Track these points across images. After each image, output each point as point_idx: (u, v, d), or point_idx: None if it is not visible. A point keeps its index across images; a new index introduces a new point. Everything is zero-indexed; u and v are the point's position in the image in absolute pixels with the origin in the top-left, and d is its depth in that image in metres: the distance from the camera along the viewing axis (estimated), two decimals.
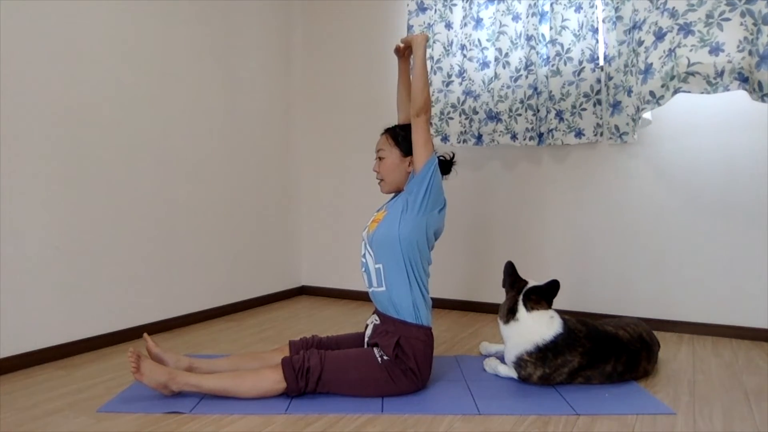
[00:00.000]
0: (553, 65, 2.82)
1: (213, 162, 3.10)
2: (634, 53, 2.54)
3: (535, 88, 2.86)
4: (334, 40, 3.62)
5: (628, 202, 2.83)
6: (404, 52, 2.19)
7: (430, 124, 2.69)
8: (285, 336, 2.70)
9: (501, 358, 2.16)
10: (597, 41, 2.75)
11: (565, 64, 2.80)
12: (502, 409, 1.80)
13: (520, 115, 2.88)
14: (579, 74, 2.78)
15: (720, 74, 2.35)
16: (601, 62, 2.79)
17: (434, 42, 3.09)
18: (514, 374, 2.04)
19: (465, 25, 3.03)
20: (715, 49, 2.34)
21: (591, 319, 2.15)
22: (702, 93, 2.39)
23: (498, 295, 2.31)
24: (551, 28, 2.81)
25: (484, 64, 3.02)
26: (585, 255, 2.93)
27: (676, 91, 2.42)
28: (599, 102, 2.78)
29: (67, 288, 2.38)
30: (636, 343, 2.03)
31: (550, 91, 2.84)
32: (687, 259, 2.70)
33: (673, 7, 2.41)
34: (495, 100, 2.94)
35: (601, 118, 2.79)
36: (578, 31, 2.77)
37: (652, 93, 2.46)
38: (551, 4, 2.80)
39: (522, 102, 2.87)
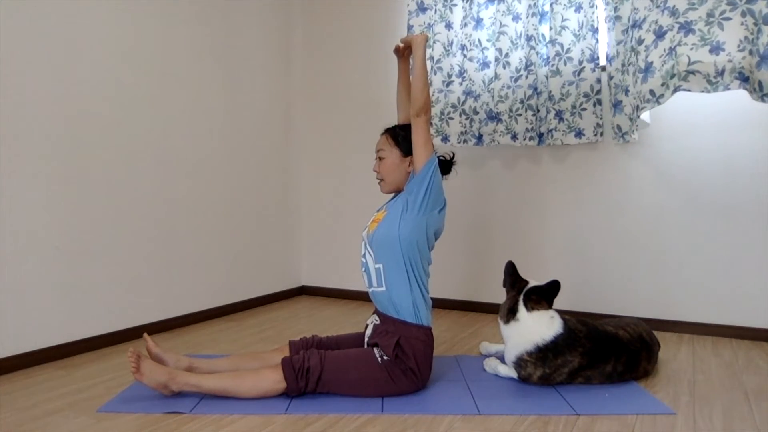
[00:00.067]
0: (553, 65, 2.82)
1: (213, 162, 3.10)
2: (633, 52, 2.54)
3: (535, 88, 2.86)
4: (334, 40, 3.62)
5: (628, 202, 2.83)
6: (404, 52, 2.19)
7: (431, 124, 2.69)
8: (285, 336, 2.70)
9: (501, 358, 2.16)
10: (597, 41, 2.75)
11: (565, 64, 2.80)
12: (502, 409, 1.80)
13: (520, 115, 2.88)
14: (579, 74, 2.78)
15: (720, 73, 2.35)
16: (603, 62, 2.79)
17: (434, 42, 3.09)
18: (514, 374, 2.04)
19: (465, 25, 3.03)
20: (716, 48, 2.34)
21: (591, 319, 2.15)
22: (702, 92, 2.38)
23: (498, 295, 2.31)
24: (551, 28, 2.81)
25: (485, 65, 3.02)
26: (585, 255, 2.93)
27: (676, 90, 2.42)
28: (599, 102, 2.78)
29: (67, 288, 2.38)
30: (636, 343, 2.03)
31: (550, 91, 2.84)
32: (687, 259, 2.70)
33: (674, 6, 2.41)
34: (495, 101, 2.94)
35: (601, 118, 2.79)
36: (578, 31, 2.77)
37: (652, 92, 2.46)
38: (551, 4, 2.80)
39: (522, 102, 2.87)
